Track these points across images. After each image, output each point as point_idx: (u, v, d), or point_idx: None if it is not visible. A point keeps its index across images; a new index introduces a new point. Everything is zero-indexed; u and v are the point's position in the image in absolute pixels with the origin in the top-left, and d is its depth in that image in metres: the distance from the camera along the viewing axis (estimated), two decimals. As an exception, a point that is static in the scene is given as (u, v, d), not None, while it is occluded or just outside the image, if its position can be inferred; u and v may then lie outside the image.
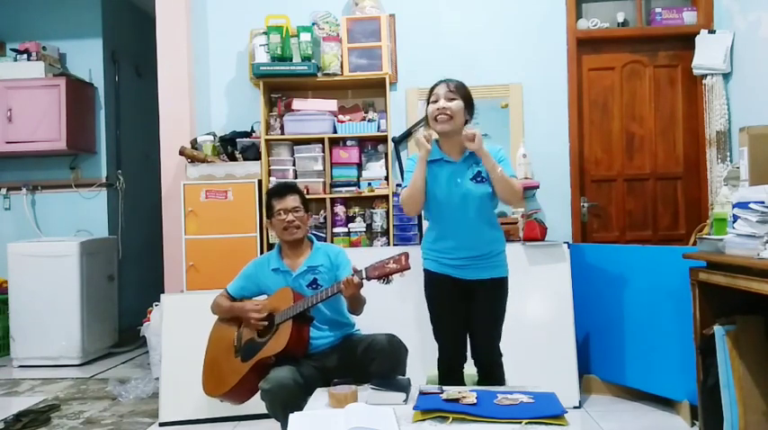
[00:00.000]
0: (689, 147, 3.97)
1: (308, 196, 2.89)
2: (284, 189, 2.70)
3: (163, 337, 3.25)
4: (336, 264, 2.63)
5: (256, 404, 2.50)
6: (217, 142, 3.84)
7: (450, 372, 2.54)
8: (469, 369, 2.59)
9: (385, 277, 2.31)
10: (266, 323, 2.53)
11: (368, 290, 2.46)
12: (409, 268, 2.29)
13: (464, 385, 2.53)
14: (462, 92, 2.46)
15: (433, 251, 2.52)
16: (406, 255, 2.30)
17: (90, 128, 5.06)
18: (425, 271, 2.55)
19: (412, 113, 3.96)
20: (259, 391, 2.39)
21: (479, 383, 2.52)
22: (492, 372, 2.52)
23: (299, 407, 2.18)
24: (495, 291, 2.49)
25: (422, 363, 2.79)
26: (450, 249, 2.45)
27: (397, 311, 3.20)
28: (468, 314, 2.50)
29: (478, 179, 2.44)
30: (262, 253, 3.60)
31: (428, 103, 2.49)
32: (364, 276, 2.35)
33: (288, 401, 2.28)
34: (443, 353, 2.56)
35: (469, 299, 2.49)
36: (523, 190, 3.03)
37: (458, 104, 2.43)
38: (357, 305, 2.52)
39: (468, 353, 2.57)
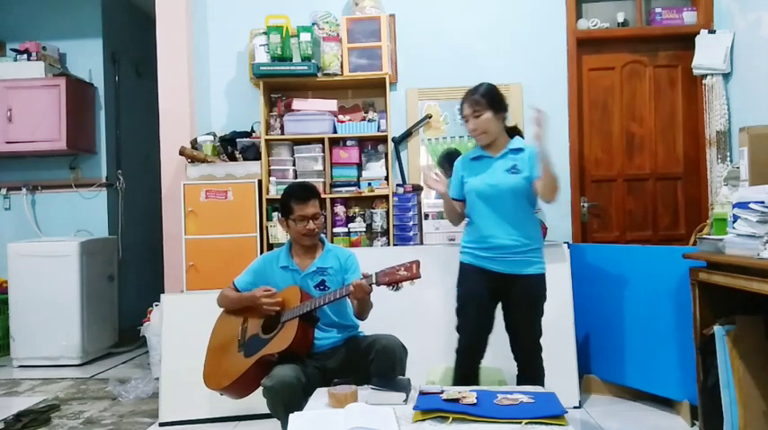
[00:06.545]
0: (689, 147, 3.97)
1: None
2: (306, 193, 2.60)
3: (163, 337, 3.26)
4: (345, 267, 2.62)
5: (257, 404, 2.49)
6: (217, 142, 3.84)
7: (466, 366, 2.59)
8: (487, 364, 2.65)
9: (395, 284, 2.29)
10: (279, 308, 2.50)
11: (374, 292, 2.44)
12: (419, 277, 2.27)
13: (477, 380, 2.60)
14: (487, 99, 2.56)
15: (469, 244, 2.63)
16: (418, 263, 2.27)
17: (90, 128, 5.07)
18: (460, 263, 2.65)
19: (412, 113, 3.96)
20: (261, 388, 2.37)
21: (518, 379, 2.59)
22: (530, 369, 2.59)
23: (300, 406, 2.18)
24: (532, 289, 2.57)
25: (424, 365, 2.79)
26: (486, 238, 2.55)
27: (401, 313, 3.19)
28: (494, 314, 2.60)
29: (512, 170, 2.55)
30: (262, 253, 3.60)
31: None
32: (374, 281, 2.32)
33: (290, 400, 2.27)
34: (462, 343, 2.61)
35: (501, 298, 2.58)
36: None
37: (486, 118, 2.55)
38: (364, 310, 2.51)
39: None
